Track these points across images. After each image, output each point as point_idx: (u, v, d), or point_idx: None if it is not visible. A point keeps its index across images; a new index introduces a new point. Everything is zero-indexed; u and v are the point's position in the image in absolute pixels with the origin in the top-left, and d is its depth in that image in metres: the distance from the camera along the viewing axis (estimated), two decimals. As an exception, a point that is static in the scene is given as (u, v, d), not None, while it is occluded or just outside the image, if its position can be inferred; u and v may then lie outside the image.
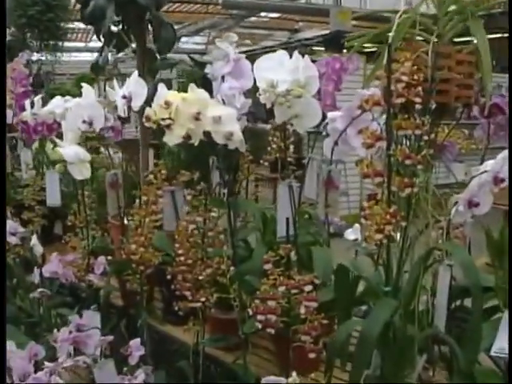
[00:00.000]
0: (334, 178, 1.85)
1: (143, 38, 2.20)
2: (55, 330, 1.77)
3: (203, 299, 1.56)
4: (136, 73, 1.62)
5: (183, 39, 13.80)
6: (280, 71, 1.33)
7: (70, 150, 1.56)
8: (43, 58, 4.86)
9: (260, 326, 1.30)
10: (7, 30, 4.51)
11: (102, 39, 2.19)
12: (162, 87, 1.53)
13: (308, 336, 1.28)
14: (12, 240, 2.18)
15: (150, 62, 2.18)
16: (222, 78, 1.91)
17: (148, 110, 1.38)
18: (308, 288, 1.29)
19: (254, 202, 2.06)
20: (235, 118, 1.59)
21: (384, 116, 1.30)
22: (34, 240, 2.17)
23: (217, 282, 1.59)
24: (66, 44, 5.99)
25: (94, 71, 2.21)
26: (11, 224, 2.16)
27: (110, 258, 1.85)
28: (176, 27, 2.49)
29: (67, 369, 1.49)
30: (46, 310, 2.32)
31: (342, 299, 1.51)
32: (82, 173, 1.62)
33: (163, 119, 1.36)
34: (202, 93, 1.44)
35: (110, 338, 1.53)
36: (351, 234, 1.99)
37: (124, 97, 1.59)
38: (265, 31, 14.35)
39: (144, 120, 1.38)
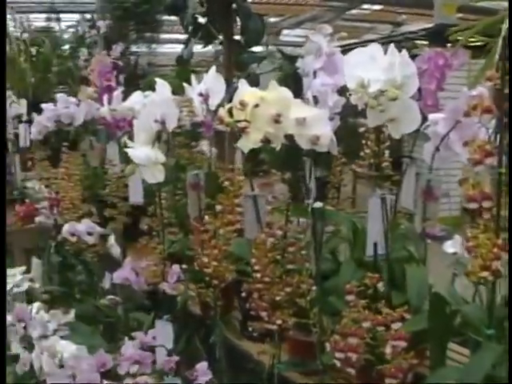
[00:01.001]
0: (433, 187, 1.64)
1: (230, 29, 2.06)
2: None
3: (279, 322, 1.40)
4: (214, 68, 1.47)
5: (285, 32, 13.66)
6: (372, 68, 1.14)
7: (140, 151, 1.44)
8: (140, 50, 4.86)
9: (338, 364, 1.13)
10: (103, 22, 4.53)
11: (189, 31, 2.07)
12: (242, 84, 1.38)
13: (393, 379, 1.09)
14: (89, 239, 2.11)
15: (237, 55, 2.04)
16: (314, 73, 1.74)
17: (221, 111, 1.24)
18: (396, 326, 1.11)
19: (342, 211, 1.87)
20: (323, 119, 1.41)
21: (494, 121, 1.09)
22: (112, 240, 2.09)
23: (296, 302, 1.43)
24: (166, 36, 5.98)
25: (179, 64, 2.10)
26: (88, 223, 2.08)
27: (185, 266, 1.73)
28: (277, 20, 2.34)
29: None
30: (123, 312, 2.25)
31: (436, 331, 1.31)
32: (154, 176, 1.50)
33: (237, 121, 1.21)
34: (284, 91, 1.28)
35: (175, 359, 1.40)
36: (450, 246, 1.77)
37: (200, 94, 1.44)
38: (367, 24, 13.97)
39: (217, 122, 1.23)
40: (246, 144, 1.25)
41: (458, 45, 1.29)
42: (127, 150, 1.43)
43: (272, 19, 8.01)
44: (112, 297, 1.82)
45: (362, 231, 1.73)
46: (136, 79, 4.58)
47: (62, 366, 1.84)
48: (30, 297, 2.75)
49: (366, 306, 1.15)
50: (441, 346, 1.31)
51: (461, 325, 1.29)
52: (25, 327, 2.00)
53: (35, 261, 2.92)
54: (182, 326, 1.88)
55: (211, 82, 1.46)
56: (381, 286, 1.18)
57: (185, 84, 1.56)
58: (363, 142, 1.54)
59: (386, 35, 11.42)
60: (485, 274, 0.97)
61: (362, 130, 1.47)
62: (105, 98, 2.20)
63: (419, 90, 1.68)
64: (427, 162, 1.66)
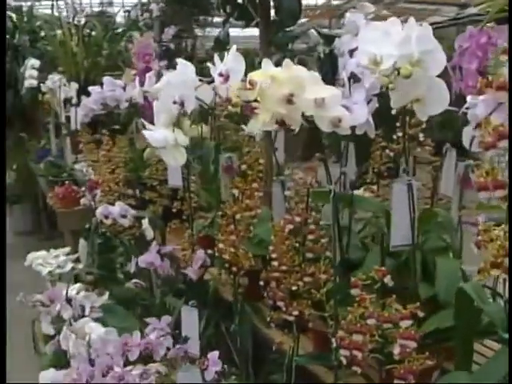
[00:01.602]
0: (471, 174, 1.54)
1: (266, 9, 1.99)
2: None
3: (296, 312, 1.34)
4: (234, 47, 1.41)
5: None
6: (386, 44, 1.05)
7: (158, 134, 1.40)
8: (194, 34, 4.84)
9: (344, 362, 1.06)
10: (156, 5, 4.51)
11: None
12: (266, 63, 1.31)
13: (403, 381, 1.02)
14: (123, 222, 2.10)
15: (273, 35, 1.97)
16: (350, 53, 1.66)
17: (230, 91, 1.18)
18: (405, 323, 1.02)
19: (373, 198, 1.78)
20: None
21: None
22: (146, 223, 2.07)
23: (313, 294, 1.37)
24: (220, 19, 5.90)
25: (216, 46, 2.05)
26: (122, 206, 2.07)
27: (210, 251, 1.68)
28: (340, 2, 2.24)
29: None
30: (158, 295, 2.24)
31: (461, 329, 1.21)
32: (175, 158, 1.45)
33: (247, 102, 1.15)
34: (298, 70, 1.20)
35: (184, 348, 1.36)
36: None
37: (220, 74, 1.39)
38: (432, 6, 13.47)
39: (225, 103, 1.17)
40: (255, 125, 1.19)
41: (486, 18, 1.18)
42: (145, 132, 1.39)
43: (335, 2, 7.83)
44: (136, 280, 1.80)
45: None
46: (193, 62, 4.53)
47: (89, 348, 1.85)
48: (75, 278, 2.79)
49: (375, 302, 1.07)
50: (466, 345, 1.22)
51: (487, 325, 1.20)
52: (57, 308, 2.02)
53: (81, 242, 2.95)
54: (210, 312, 1.84)
55: (231, 62, 1.40)
56: (388, 280, 1.09)
57: (209, 64, 1.51)
58: (396, 124, 1.46)
59: (452, 17, 10.99)
60: (496, 272, 0.88)
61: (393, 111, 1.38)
62: (137, 79, 2.17)
63: (460, 69, 1.57)
64: (466, 147, 1.56)
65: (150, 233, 2.05)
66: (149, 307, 2.27)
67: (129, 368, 1.39)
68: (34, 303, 2.16)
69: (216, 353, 1.35)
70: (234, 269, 1.45)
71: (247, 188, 1.43)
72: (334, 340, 1.17)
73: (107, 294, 2.13)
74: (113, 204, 2.15)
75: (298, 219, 1.35)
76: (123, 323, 2.10)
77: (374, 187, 1.90)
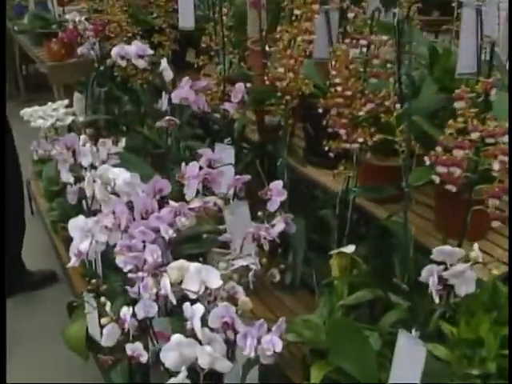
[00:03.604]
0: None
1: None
2: (183, 164, 1.57)
3: (361, 140, 1.26)
4: None
5: None
6: None
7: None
8: None
9: (437, 180, 1.00)
10: None
11: None
12: None
13: (497, 200, 0.96)
14: (140, 63, 1.95)
15: None
16: None
17: None
18: (505, 138, 0.96)
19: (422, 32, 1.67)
20: None
21: None
22: (164, 64, 1.92)
23: (377, 121, 1.29)
24: None
25: None
26: (139, 45, 1.92)
27: (249, 85, 1.58)
28: None
29: (194, 210, 1.28)
30: (174, 141, 2.14)
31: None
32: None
33: None
34: None
35: (247, 177, 1.29)
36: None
37: None
38: None
39: None
40: None
41: None
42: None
43: None
44: (170, 117, 1.69)
45: (444, 53, 1.55)
46: None
47: (115, 194, 1.77)
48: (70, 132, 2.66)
49: (474, 116, 1.00)
50: None
51: None
52: (74, 156, 1.91)
53: (77, 95, 2.80)
54: (239, 153, 1.76)
55: None
56: (494, 93, 1.01)
57: None
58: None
59: None
60: None
61: None
62: None
63: None
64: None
65: (168, 74, 1.91)
66: (163, 154, 2.18)
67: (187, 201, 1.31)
68: (49, 152, 2.05)
69: (280, 182, 1.27)
70: (288, 97, 1.35)
71: (306, 11, 1.30)
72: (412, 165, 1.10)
73: (124, 140, 2.02)
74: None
75: (363, 42, 1.25)
76: (140, 171, 2.02)
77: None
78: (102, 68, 2.39)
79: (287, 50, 1.30)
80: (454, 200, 1.17)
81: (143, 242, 1.41)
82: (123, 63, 1.91)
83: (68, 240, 2.30)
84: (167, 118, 1.69)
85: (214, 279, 1.30)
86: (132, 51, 1.89)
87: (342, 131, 1.28)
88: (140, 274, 1.29)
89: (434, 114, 1.37)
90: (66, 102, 2.53)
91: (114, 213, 1.52)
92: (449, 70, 1.43)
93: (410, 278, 1.28)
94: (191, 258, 1.67)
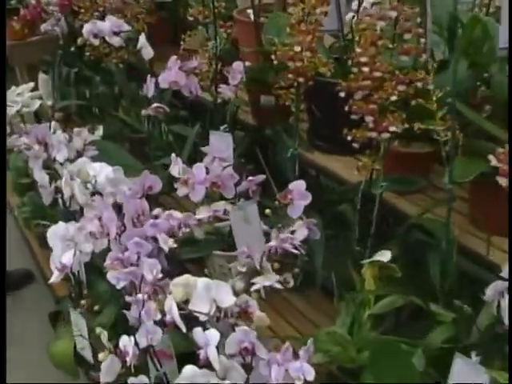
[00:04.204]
0: None
1: None
2: (176, 160, 1.36)
3: (393, 128, 1.08)
4: None
5: None
6: None
7: None
8: None
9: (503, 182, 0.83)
10: None
11: None
12: None
13: None
14: (115, 41, 1.73)
15: None
16: None
17: None
18: None
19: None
20: None
21: None
22: (143, 40, 1.70)
23: (406, 105, 1.11)
24: None
25: None
26: (114, 21, 1.69)
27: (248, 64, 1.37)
28: None
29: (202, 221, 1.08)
30: (156, 125, 1.92)
31: None
32: None
33: None
34: None
35: (261, 177, 1.09)
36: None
37: None
38: None
39: None
40: None
41: None
42: None
43: None
44: (158, 104, 1.47)
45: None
46: None
47: (97, 194, 1.56)
48: (38, 118, 2.43)
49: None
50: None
51: None
52: (46, 150, 1.69)
53: (42, 77, 2.55)
54: (237, 137, 1.57)
55: None
56: None
57: None
58: None
59: None
60: None
61: None
62: None
63: None
64: None
65: (148, 51, 1.69)
66: (143, 140, 1.96)
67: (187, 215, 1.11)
68: (18, 147, 1.82)
69: (302, 183, 1.08)
70: (301, 79, 1.15)
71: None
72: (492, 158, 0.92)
73: (101, 128, 1.80)
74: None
75: (392, 13, 1.05)
76: (120, 161, 1.81)
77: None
78: (70, 47, 2.14)
79: (301, 24, 1.10)
80: (497, 192, 1.00)
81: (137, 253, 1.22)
82: (96, 42, 1.69)
83: (42, 237, 2.11)
84: (155, 105, 1.48)
85: (226, 296, 1.11)
86: (106, 28, 1.66)
87: (369, 118, 1.09)
88: (139, 296, 1.09)
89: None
90: (32, 84, 2.28)
91: (99, 219, 1.32)
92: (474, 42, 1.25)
93: (450, 286, 1.12)
94: (188, 263, 1.49)
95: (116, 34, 1.67)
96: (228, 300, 1.11)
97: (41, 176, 1.61)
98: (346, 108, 1.12)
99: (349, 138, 1.13)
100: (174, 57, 1.39)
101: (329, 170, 1.42)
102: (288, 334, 1.29)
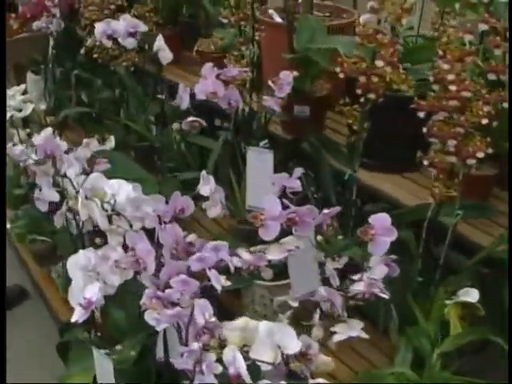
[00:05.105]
0: None
1: None
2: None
3: (481, 154, 0.96)
4: None
5: None
6: None
7: None
8: None
9: None
10: None
11: None
12: None
13: None
14: (128, 43, 1.56)
15: None
16: None
17: None
18: None
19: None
20: None
21: None
22: (160, 42, 1.54)
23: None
24: None
25: None
26: (129, 20, 1.52)
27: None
28: None
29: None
30: (167, 134, 1.77)
31: None
32: None
33: None
34: None
35: (337, 209, 0.96)
36: None
37: None
38: None
39: None
40: None
41: None
42: None
43: None
44: (194, 118, 1.32)
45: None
46: None
47: (117, 214, 1.40)
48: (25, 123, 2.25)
49: None
50: None
51: None
52: (54, 164, 1.51)
53: (32, 77, 2.36)
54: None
55: None
56: None
57: None
58: None
59: None
60: None
61: None
62: None
63: None
64: None
65: (166, 55, 1.53)
66: (150, 149, 1.80)
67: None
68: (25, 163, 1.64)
69: (386, 216, 0.94)
70: (372, 96, 1.02)
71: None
72: None
73: (112, 139, 1.64)
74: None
75: (481, 26, 0.93)
76: (131, 174, 1.66)
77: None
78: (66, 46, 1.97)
79: (379, 34, 0.96)
80: None
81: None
82: (108, 43, 1.52)
83: (38, 253, 1.94)
84: (191, 119, 1.32)
85: (292, 342, 0.98)
86: (121, 28, 1.49)
87: (452, 142, 0.97)
88: (195, 346, 0.95)
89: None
90: (23, 87, 2.09)
91: (132, 249, 1.16)
92: None
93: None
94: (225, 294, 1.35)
95: (131, 34, 1.51)
96: (293, 346, 0.98)
97: (51, 195, 1.45)
98: (425, 129, 1.00)
99: (425, 162, 1.02)
100: (210, 64, 1.24)
101: (379, 191, 1.30)
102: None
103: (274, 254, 0.92)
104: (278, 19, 1.57)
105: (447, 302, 1.00)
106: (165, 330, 1.15)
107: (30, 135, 2.14)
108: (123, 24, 1.51)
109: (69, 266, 1.28)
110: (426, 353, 1.12)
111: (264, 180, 1.30)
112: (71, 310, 1.60)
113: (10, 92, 2.06)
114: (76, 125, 2.08)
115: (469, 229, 1.18)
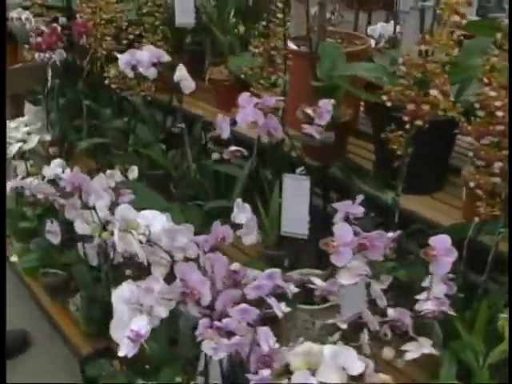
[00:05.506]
0: None
1: None
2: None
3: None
4: None
5: None
6: None
7: None
8: None
9: None
10: None
11: None
12: None
13: None
14: (150, 73, 1.57)
15: None
16: None
17: None
18: None
19: None
20: None
21: None
22: (183, 72, 1.56)
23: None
24: None
25: None
26: (153, 51, 1.54)
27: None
28: None
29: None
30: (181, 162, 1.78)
31: None
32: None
33: None
34: None
35: (398, 233, 0.99)
36: None
37: None
38: None
39: None
40: None
41: None
42: None
43: None
44: (236, 148, 1.34)
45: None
46: None
47: (150, 245, 1.41)
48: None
49: None
50: None
51: None
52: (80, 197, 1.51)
53: (32, 108, 2.34)
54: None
55: None
56: None
57: None
58: None
59: None
60: None
61: None
62: None
63: None
64: None
65: (189, 84, 1.55)
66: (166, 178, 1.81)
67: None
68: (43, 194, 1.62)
69: (446, 238, 0.97)
70: (419, 122, 1.06)
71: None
72: None
73: (136, 170, 1.65)
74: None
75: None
76: (155, 204, 1.66)
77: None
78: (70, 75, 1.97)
79: (428, 63, 1.00)
80: None
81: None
82: (131, 73, 1.53)
83: (52, 287, 1.90)
84: (233, 148, 1.34)
85: (355, 363, 1.01)
86: (145, 58, 1.51)
87: (498, 165, 1.02)
88: (266, 373, 0.97)
89: None
90: (26, 118, 2.08)
91: (182, 280, 1.18)
92: None
93: None
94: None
95: (154, 65, 1.52)
96: (357, 367, 1.01)
97: (83, 229, 1.45)
98: (471, 153, 1.05)
99: (472, 184, 1.06)
100: (246, 93, 1.27)
101: (414, 214, 1.34)
102: None
103: (345, 279, 0.95)
104: (294, 47, 1.60)
105: (502, 315, 1.04)
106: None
107: (32, 166, 2.14)
108: (147, 54, 1.52)
109: (114, 299, 1.28)
110: (472, 365, 1.16)
111: (301, 206, 1.33)
112: (91, 342, 1.60)
113: (12, 124, 2.05)
114: (82, 155, 2.07)
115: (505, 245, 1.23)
